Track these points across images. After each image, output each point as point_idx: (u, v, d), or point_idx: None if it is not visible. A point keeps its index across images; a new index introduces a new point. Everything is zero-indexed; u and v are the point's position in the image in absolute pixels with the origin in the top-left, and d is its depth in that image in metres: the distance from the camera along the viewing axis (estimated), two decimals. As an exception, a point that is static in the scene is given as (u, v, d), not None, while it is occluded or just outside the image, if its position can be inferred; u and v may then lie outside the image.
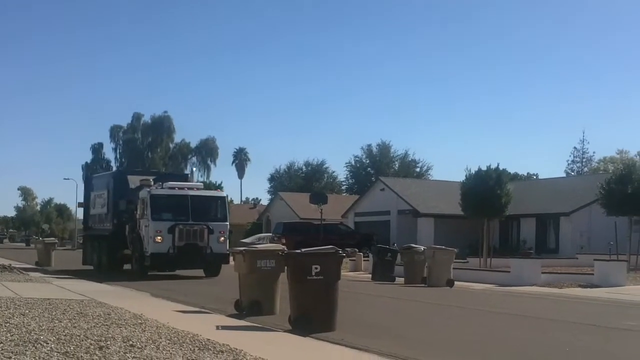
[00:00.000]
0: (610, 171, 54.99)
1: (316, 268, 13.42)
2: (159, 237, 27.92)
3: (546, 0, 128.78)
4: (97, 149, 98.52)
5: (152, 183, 30.39)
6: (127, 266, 31.72)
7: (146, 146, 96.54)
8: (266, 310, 15.72)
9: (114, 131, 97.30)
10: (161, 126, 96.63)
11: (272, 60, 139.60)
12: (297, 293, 13.65)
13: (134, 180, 32.41)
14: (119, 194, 32.34)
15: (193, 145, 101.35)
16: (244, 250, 16.67)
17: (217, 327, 13.36)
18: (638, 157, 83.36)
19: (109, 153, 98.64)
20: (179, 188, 29.58)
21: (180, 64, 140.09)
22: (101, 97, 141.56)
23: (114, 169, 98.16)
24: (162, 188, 29.34)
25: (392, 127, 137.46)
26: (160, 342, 10.57)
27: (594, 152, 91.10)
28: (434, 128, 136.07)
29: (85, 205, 37.55)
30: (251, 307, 15.81)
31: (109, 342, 10.25)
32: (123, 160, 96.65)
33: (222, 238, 29.04)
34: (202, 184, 32.18)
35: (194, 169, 35.67)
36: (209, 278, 29.20)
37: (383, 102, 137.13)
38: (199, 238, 28.38)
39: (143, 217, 28.82)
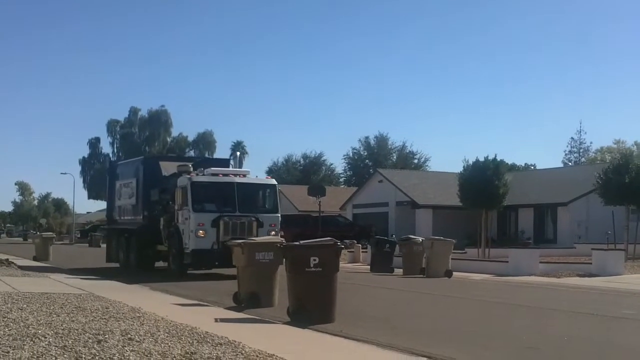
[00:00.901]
0: (608, 161, 54.95)
1: (314, 260, 13.42)
2: (201, 232, 24.73)
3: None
4: (94, 143, 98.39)
5: (192, 169, 26.89)
6: (158, 264, 29.04)
7: (143, 140, 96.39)
8: (264, 302, 15.72)
9: (111, 125, 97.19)
10: (158, 120, 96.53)
11: (269, 53, 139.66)
12: (295, 285, 13.65)
13: (167, 167, 29.04)
14: (150, 183, 28.83)
15: (191, 138, 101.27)
16: (242, 242, 16.67)
17: (216, 320, 13.34)
18: (635, 146, 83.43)
19: (106, 147, 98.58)
20: (224, 175, 26.00)
21: (177, 58, 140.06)
22: (98, 92, 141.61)
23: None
24: (203, 175, 25.90)
25: (389, 119, 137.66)
26: (159, 335, 10.55)
27: (591, 143, 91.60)
28: (432, 119, 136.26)
29: (109, 195, 33.67)
30: (249, 300, 15.81)
31: (107, 336, 10.23)
32: (120, 154, 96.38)
33: (273, 232, 25.14)
34: (248, 170, 27.28)
35: (238, 153, 30.10)
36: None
37: (380, 94, 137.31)
38: (247, 232, 24.57)
39: (182, 208, 25.45)
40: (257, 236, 23.28)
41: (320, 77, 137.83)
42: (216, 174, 25.88)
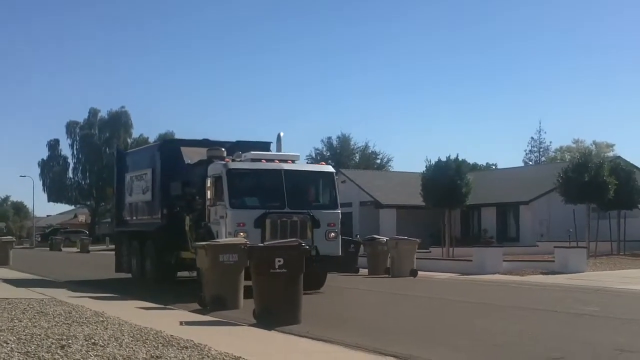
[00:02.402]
0: (567, 160, 55.55)
1: (279, 261, 13.39)
2: (242, 233, 19.05)
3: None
4: (53, 145, 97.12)
5: (226, 154, 21.75)
6: (182, 273, 24.00)
7: (103, 142, 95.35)
8: (230, 304, 15.62)
9: (70, 127, 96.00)
10: (118, 121, 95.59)
11: (230, 53, 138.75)
12: (260, 286, 13.60)
13: (190, 154, 23.34)
14: (169, 173, 23.35)
15: (152, 140, 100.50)
16: (205, 244, 16.55)
17: (181, 323, 13.25)
18: (593, 146, 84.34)
19: (65, 149, 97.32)
20: (268, 160, 20.73)
21: (137, 58, 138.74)
22: (57, 93, 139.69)
23: (71, 165, 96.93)
24: (241, 161, 20.75)
25: (351, 119, 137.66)
26: (123, 340, 10.44)
27: (550, 142, 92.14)
28: (394, 119, 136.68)
29: (118, 191, 27.85)
30: (215, 302, 15.70)
31: (70, 341, 10.10)
32: (80, 156, 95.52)
33: (333, 233, 20.27)
34: (298, 154, 21.71)
35: (281, 133, 22.76)
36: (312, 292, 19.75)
37: (341, 95, 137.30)
38: (300, 233, 19.38)
39: (216, 203, 20.07)
40: (312, 238, 19.48)
41: (282, 78, 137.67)
42: (258, 159, 20.71)
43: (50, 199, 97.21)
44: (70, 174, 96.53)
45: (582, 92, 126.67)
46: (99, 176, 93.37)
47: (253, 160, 20.54)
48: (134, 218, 26.10)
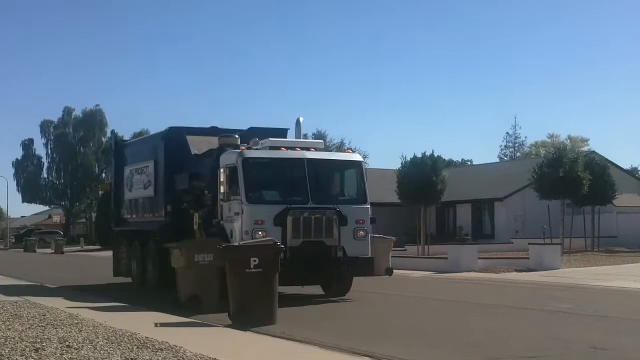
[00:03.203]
0: (542, 155, 55.88)
1: (255, 261, 13.37)
2: (260, 232, 16.94)
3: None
4: (27, 144, 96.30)
5: (239, 141, 19.24)
6: None
7: (78, 141, 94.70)
8: (206, 305, 15.58)
9: (45, 126, 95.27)
10: (93, 120, 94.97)
11: (205, 55, 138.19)
12: (235, 287, 13.57)
13: (197, 143, 21.13)
14: (174, 165, 21.00)
15: (126, 138, 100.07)
16: (180, 244, 16.49)
17: (156, 325, 13.20)
18: (568, 140, 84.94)
19: (40, 149, 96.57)
20: (289, 148, 18.61)
21: (111, 57, 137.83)
22: (31, 92, 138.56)
23: (46, 165, 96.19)
24: (259, 149, 18.41)
25: (327, 116, 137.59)
26: (98, 342, 10.39)
27: (525, 137, 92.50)
28: (369, 116, 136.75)
29: (116, 187, 25.14)
30: (190, 303, 15.65)
31: (44, 344, 10.04)
32: (54, 155, 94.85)
33: (362, 231, 18.18)
34: (321, 141, 20.08)
35: (301, 118, 20.50)
36: (324, 299, 18.39)
37: (315, 91, 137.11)
38: (326, 232, 17.54)
39: (230, 198, 17.79)
40: (338, 237, 17.60)
41: (255, 79, 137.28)
42: (277, 147, 18.51)
43: (25, 199, 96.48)
44: (45, 174, 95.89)
45: (557, 87, 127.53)
46: (73, 176, 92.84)
47: (272, 148, 18.39)
48: (134, 216, 23.79)
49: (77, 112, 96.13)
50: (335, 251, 17.65)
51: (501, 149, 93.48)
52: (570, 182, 36.34)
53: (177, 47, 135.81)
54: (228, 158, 18.14)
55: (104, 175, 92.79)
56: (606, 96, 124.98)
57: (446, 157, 73.11)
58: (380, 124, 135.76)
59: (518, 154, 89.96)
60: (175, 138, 21.42)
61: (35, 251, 67.04)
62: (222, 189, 17.90)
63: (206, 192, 18.91)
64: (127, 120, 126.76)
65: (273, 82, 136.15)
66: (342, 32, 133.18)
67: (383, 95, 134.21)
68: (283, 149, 18.41)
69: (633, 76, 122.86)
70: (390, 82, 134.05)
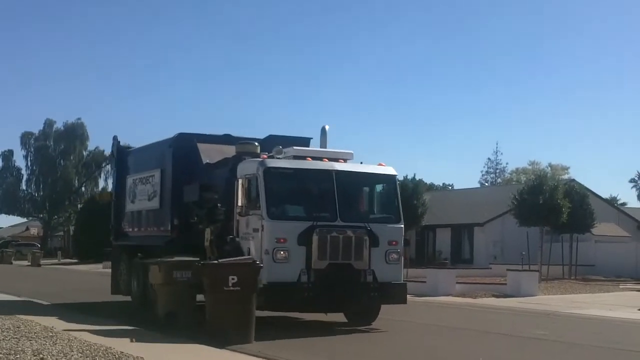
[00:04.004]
0: (523, 182, 56.24)
1: (233, 279, 13.34)
2: (282, 252, 15.37)
3: (459, 10, 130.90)
4: (7, 156, 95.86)
5: (259, 150, 17.31)
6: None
7: (58, 154, 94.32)
8: (183, 321, 15.50)
9: (25, 138, 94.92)
10: (74, 133, 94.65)
11: (185, 67, 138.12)
12: (213, 304, 13.55)
13: (209, 151, 19.37)
14: (183, 176, 19.20)
15: (107, 153, 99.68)
16: (158, 261, 16.41)
17: (132, 340, 13.13)
18: (549, 168, 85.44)
19: (19, 160, 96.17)
20: (315, 158, 16.71)
21: (93, 71, 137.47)
22: (12, 104, 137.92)
23: (25, 177, 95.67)
24: (281, 158, 16.55)
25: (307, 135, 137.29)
26: (72, 355, 10.34)
27: (507, 163, 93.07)
28: (350, 139, 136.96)
29: (117, 198, 23.27)
30: (167, 319, 15.58)
31: (18, 356, 9.99)
32: (34, 167, 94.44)
33: (394, 254, 16.40)
34: (351, 151, 17.53)
35: (327, 126, 18.49)
36: (347, 328, 16.72)
37: (297, 115, 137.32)
38: (355, 254, 15.83)
39: (248, 213, 15.93)
40: (368, 259, 15.88)
41: (239, 91, 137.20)
42: (302, 157, 16.68)
43: (3, 210, 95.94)
44: (24, 186, 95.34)
45: (539, 114, 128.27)
46: (52, 189, 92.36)
47: (296, 157, 16.56)
48: (136, 230, 21.93)
49: (59, 125, 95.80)
50: (365, 275, 15.92)
51: (482, 175, 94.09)
52: (549, 210, 36.57)
53: (161, 58, 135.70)
54: (247, 167, 16.31)
55: (83, 189, 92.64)
56: (587, 125, 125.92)
57: (427, 181, 73.48)
58: (361, 146, 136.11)
59: (499, 180, 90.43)
60: (184, 145, 19.63)
61: (11, 263, 66.53)
62: (239, 202, 16.06)
63: (219, 205, 17.07)
64: (108, 133, 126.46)
65: (251, 97, 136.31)
66: (327, 53, 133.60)
67: (365, 117, 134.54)
68: (309, 159, 16.54)
69: (614, 106, 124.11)
70: (373, 104, 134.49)
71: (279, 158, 16.34)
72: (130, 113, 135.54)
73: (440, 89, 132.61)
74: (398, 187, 17.63)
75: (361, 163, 17.34)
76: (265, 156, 16.38)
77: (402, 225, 16.89)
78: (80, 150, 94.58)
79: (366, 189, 17.40)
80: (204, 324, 13.70)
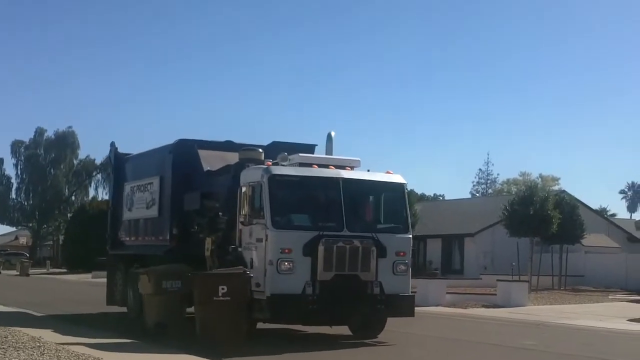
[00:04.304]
0: (514, 193, 56.34)
1: (223, 289, 13.33)
2: (286, 263, 14.95)
3: (447, 20, 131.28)
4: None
5: (263, 157, 16.78)
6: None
7: (49, 162, 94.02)
8: (172, 332, 15.45)
9: (16, 146, 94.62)
10: (65, 142, 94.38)
11: (175, 75, 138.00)
12: (203, 314, 13.54)
13: (210, 158, 18.84)
14: (183, 183, 18.76)
15: (98, 161, 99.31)
16: (148, 270, 16.36)
17: (121, 350, 13.06)
18: (540, 179, 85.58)
19: (9, 169, 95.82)
20: (321, 165, 16.34)
21: (84, 79, 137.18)
22: (3, 112, 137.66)
23: (15, 186, 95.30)
24: (287, 165, 16.05)
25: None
26: (60, 366, 10.27)
27: (497, 174, 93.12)
28: (342, 147, 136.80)
29: (114, 205, 22.79)
30: (157, 329, 15.53)
31: (5, 367, 9.91)
32: (24, 176, 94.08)
33: (403, 265, 15.98)
34: (358, 159, 17.17)
35: (333, 132, 17.99)
36: (352, 341, 16.22)
37: (286, 126, 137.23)
38: (362, 265, 15.43)
39: (251, 222, 15.44)
40: (375, 271, 15.46)
41: (232, 101, 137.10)
42: (307, 164, 16.28)
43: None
44: (14, 195, 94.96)
45: (531, 126, 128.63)
46: (42, 197, 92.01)
47: (301, 164, 16.13)
48: (134, 239, 21.39)
49: (49, 133, 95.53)
50: (372, 287, 15.46)
51: (473, 185, 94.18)
52: (540, 221, 36.66)
53: (153, 66, 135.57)
54: (251, 175, 15.82)
55: (73, 198, 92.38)
56: (578, 137, 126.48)
57: (418, 191, 73.45)
58: (353, 155, 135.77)
59: (490, 191, 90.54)
60: (185, 152, 19.05)
61: (0, 272, 66.22)
62: (242, 211, 15.61)
63: (220, 214, 16.62)
64: (99, 142, 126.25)
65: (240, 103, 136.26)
66: (319, 62, 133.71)
67: (357, 126, 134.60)
68: (315, 166, 16.15)
69: (605, 118, 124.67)
70: (364, 113, 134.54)
71: (284, 165, 15.89)
72: (123, 121, 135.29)
73: (430, 100, 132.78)
74: (407, 195, 17.25)
75: (368, 171, 16.95)
76: (269, 163, 15.91)
77: (411, 236, 16.50)
78: (71, 158, 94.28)
79: (374, 197, 16.88)
80: (195, 334, 13.65)
